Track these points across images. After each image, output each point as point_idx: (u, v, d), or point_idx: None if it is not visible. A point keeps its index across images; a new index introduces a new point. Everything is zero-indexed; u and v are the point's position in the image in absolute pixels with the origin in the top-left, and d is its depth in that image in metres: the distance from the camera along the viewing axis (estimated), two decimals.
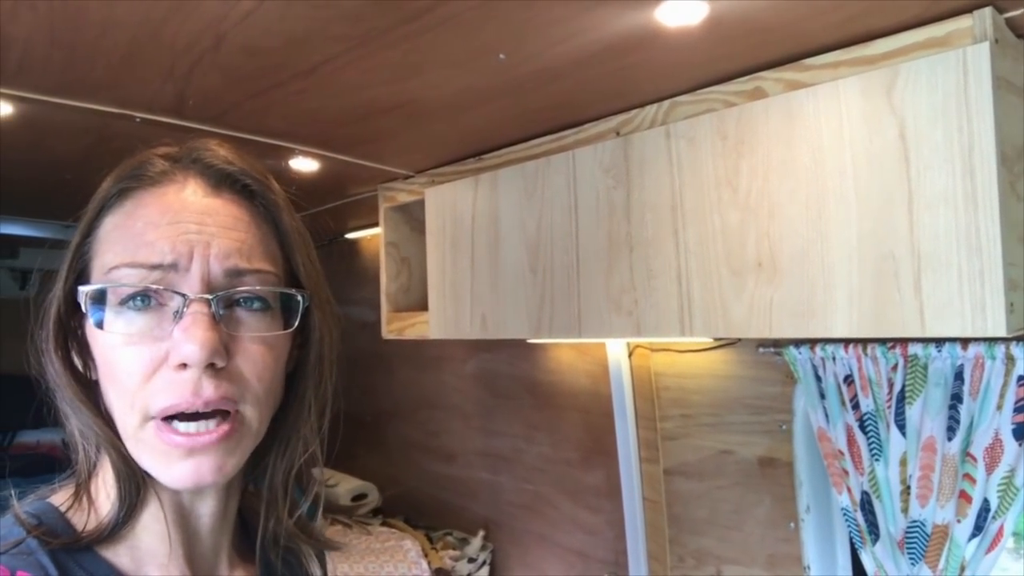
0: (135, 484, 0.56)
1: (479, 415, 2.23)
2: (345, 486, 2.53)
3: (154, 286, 0.53)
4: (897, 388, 1.27)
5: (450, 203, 1.62)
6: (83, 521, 0.56)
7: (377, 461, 2.65)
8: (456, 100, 1.26)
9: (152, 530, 0.58)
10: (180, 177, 0.57)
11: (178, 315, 0.53)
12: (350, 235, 2.49)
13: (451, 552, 2.14)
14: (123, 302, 0.53)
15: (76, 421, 0.56)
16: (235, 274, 0.55)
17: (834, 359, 1.35)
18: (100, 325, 0.54)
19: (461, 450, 2.31)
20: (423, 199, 1.73)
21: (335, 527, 2.33)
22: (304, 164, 1.66)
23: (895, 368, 1.27)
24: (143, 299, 0.53)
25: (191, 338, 0.51)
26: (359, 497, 2.54)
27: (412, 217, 1.90)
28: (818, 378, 1.38)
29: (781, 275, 1.05)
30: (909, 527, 1.27)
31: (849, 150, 0.99)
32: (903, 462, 1.27)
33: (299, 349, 0.63)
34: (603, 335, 1.29)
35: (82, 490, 0.57)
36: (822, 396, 1.37)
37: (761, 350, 1.44)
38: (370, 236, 2.49)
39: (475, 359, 2.22)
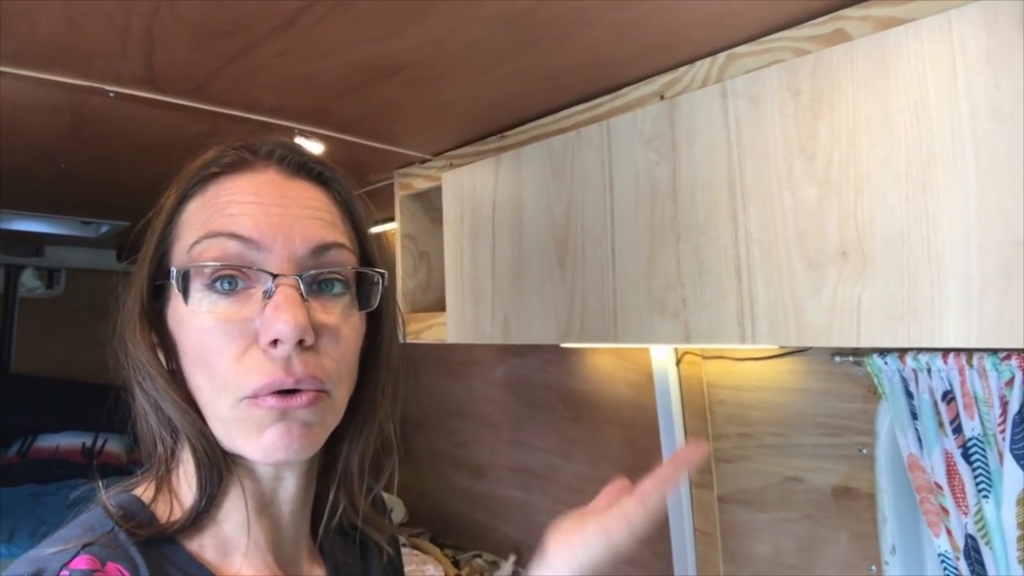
0: (217, 472, 0.56)
1: (510, 426, 2.02)
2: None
3: (242, 265, 0.54)
4: (1013, 409, 1.01)
5: (468, 188, 1.42)
6: (166, 513, 0.57)
7: (403, 473, 2.46)
8: (466, 58, 1.05)
9: (234, 519, 0.58)
10: (260, 166, 0.60)
11: (267, 294, 0.54)
12: (372, 228, 2.31)
13: None
14: (210, 284, 0.54)
15: (164, 410, 0.56)
16: (320, 251, 0.57)
17: (929, 371, 1.10)
18: (188, 304, 0.55)
19: (491, 464, 2.10)
20: (440, 185, 1.53)
21: None
22: (308, 147, 1.48)
23: (1010, 383, 1.02)
24: (230, 281, 0.54)
25: (283, 315, 0.52)
26: None
27: (431, 206, 1.70)
28: (909, 394, 1.13)
29: (873, 266, 0.82)
30: None
31: (966, 101, 0.75)
32: (1021, 502, 1.02)
33: (369, 334, 0.64)
34: (644, 340, 1.07)
35: (163, 482, 0.58)
36: (914, 416, 1.13)
37: (838, 359, 1.20)
38: (393, 230, 2.30)
39: (505, 365, 2.02)
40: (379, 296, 0.61)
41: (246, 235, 0.55)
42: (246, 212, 0.56)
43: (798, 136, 0.88)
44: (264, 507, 0.60)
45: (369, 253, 0.64)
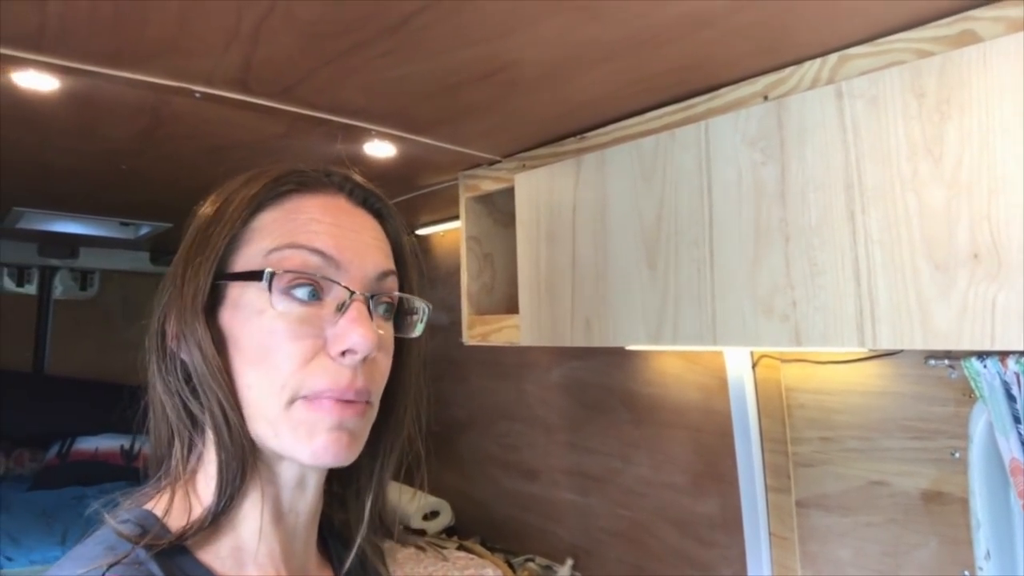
0: (240, 473, 0.57)
1: (565, 429, 2.01)
2: (417, 503, 2.35)
3: (322, 277, 0.58)
4: None
5: (545, 190, 1.41)
6: (182, 523, 0.57)
7: (450, 476, 2.46)
8: (566, 61, 1.04)
9: (251, 526, 0.60)
10: (333, 191, 0.65)
11: (342, 308, 0.58)
12: (421, 231, 2.30)
13: None
14: (287, 290, 0.58)
15: (201, 402, 0.58)
16: (383, 276, 0.63)
17: None
18: (272, 305, 0.57)
19: (544, 467, 2.09)
20: (509, 187, 1.53)
21: (407, 550, 2.14)
22: (380, 149, 1.47)
23: None
24: (311, 291, 0.58)
25: (360, 328, 0.57)
26: (431, 515, 2.35)
27: (495, 208, 1.70)
28: (1011, 397, 1.12)
29: (1009, 268, 0.81)
30: None
31: None
32: None
33: (397, 355, 0.67)
34: (747, 343, 1.06)
35: (178, 491, 0.59)
36: (1016, 420, 1.12)
37: (932, 362, 1.19)
38: (443, 232, 2.30)
39: (562, 367, 2.01)
40: (422, 325, 0.67)
41: (328, 252, 0.59)
42: (328, 232, 0.60)
43: (923, 138, 0.87)
44: (282, 516, 0.62)
45: (410, 283, 0.69)
